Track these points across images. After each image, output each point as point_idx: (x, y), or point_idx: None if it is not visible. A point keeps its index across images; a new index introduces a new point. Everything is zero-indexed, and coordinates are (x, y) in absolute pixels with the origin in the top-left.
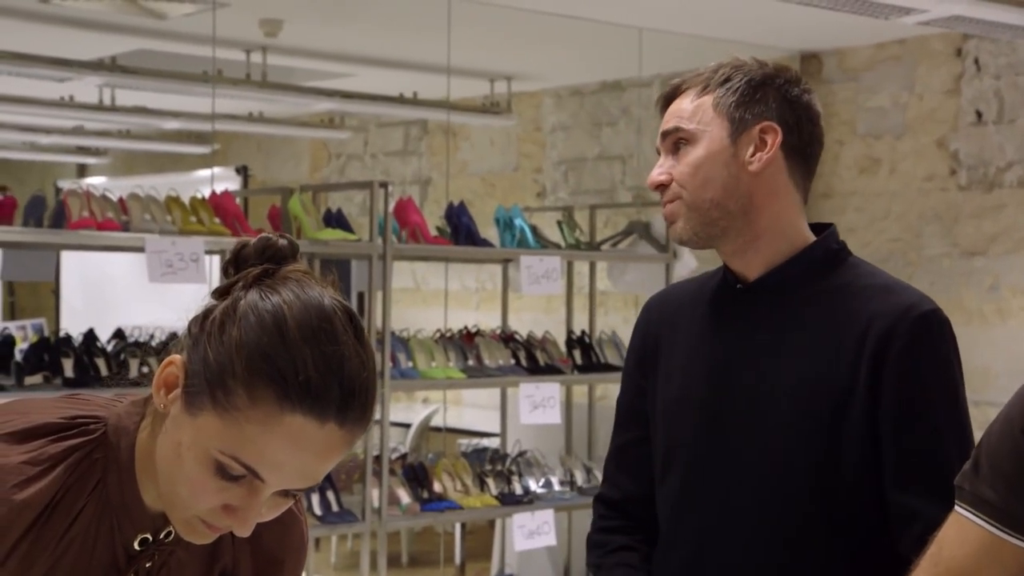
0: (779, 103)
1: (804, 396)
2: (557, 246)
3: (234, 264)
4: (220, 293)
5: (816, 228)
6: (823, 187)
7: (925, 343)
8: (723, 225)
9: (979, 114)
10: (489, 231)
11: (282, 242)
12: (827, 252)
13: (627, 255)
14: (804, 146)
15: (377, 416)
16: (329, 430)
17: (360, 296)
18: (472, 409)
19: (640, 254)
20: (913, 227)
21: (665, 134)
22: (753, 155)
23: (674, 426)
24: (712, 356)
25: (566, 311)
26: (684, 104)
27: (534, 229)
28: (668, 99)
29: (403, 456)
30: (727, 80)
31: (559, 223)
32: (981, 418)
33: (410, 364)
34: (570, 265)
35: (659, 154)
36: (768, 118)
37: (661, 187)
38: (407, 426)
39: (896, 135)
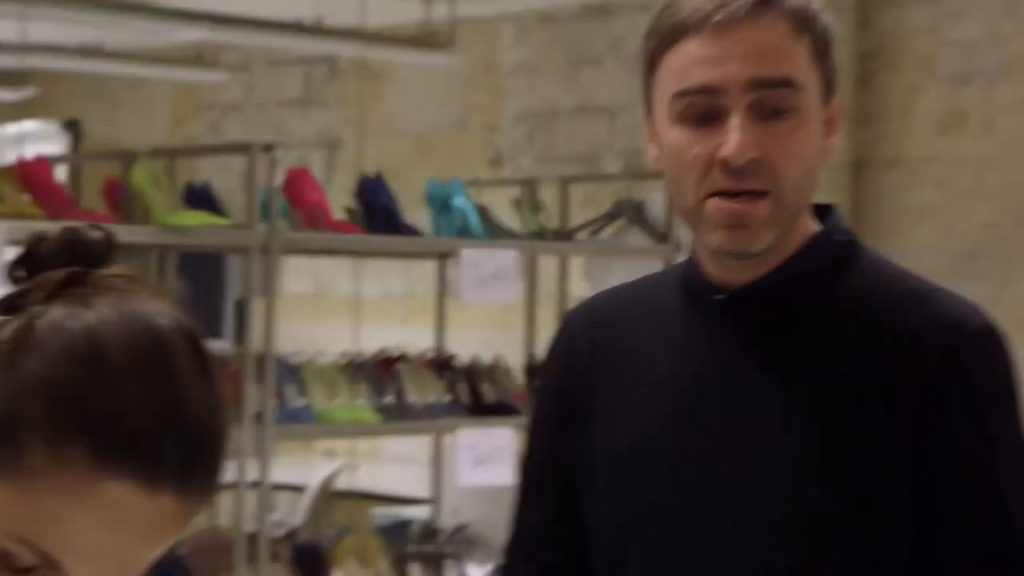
0: (832, 49)
1: (818, 460)
2: (514, 234)
3: (26, 265)
4: (6, 307)
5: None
6: (890, 150)
7: (986, 371)
8: (789, 228)
9: None
10: (421, 214)
11: (95, 235)
12: (835, 248)
13: (612, 247)
14: None
15: (253, 476)
16: (162, 501)
17: (240, 305)
18: (393, 465)
19: (630, 246)
20: (1014, 208)
21: (763, 83)
22: (828, 136)
23: (622, 495)
24: (675, 395)
25: (526, 326)
26: (780, 38)
27: (482, 211)
28: (724, 19)
29: (292, 533)
30: (817, 17)
31: (516, 202)
32: None
33: (304, 402)
34: (532, 261)
35: (694, 119)
36: (835, 82)
37: (746, 167)
38: (300, 489)
39: (991, 79)
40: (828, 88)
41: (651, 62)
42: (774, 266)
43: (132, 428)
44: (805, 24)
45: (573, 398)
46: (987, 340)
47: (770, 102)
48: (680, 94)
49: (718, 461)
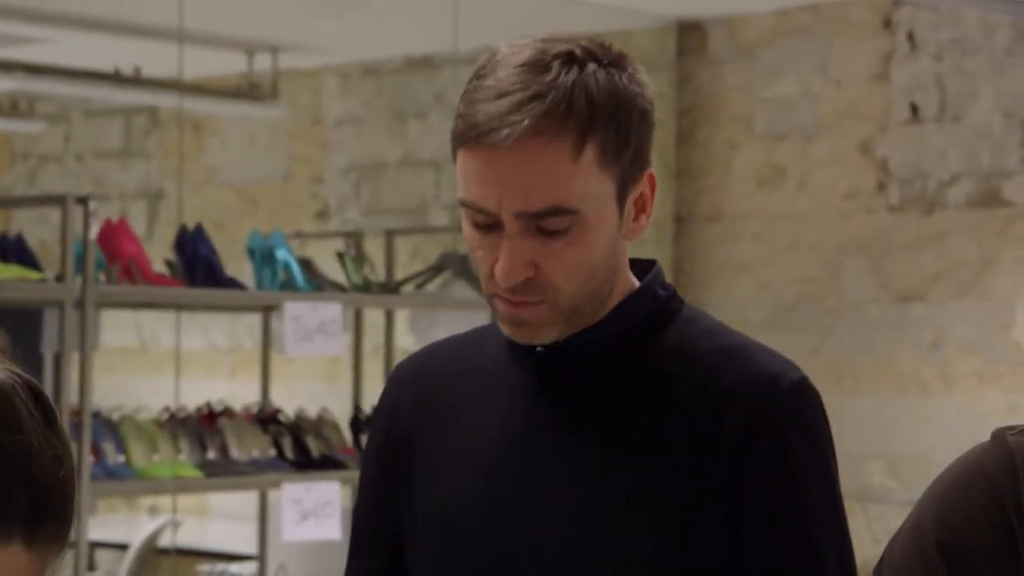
0: (642, 126)
1: (636, 502)
2: (339, 287)
3: None
4: None
5: (633, 265)
6: (708, 206)
7: (799, 427)
8: (586, 313)
9: (915, 108)
10: (246, 266)
11: None
12: (655, 303)
13: (437, 299)
14: None
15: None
16: (13, 553)
17: (58, 360)
18: (219, 521)
19: (456, 298)
20: (830, 262)
21: (530, 216)
22: (636, 218)
23: (443, 553)
24: (497, 450)
25: (353, 378)
26: (551, 160)
27: (307, 264)
28: (500, 141)
29: None
30: (612, 116)
31: (340, 255)
32: None
33: (122, 458)
34: (358, 314)
35: (476, 226)
36: (646, 160)
37: (521, 285)
38: (124, 547)
39: (806, 136)
40: (625, 184)
41: (452, 146)
42: (593, 322)
43: None
44: (591, 129)
45: (396, 452)
46: (799, 395)
47: (541, 225)
48: (462, 202)
49: (532, 518)
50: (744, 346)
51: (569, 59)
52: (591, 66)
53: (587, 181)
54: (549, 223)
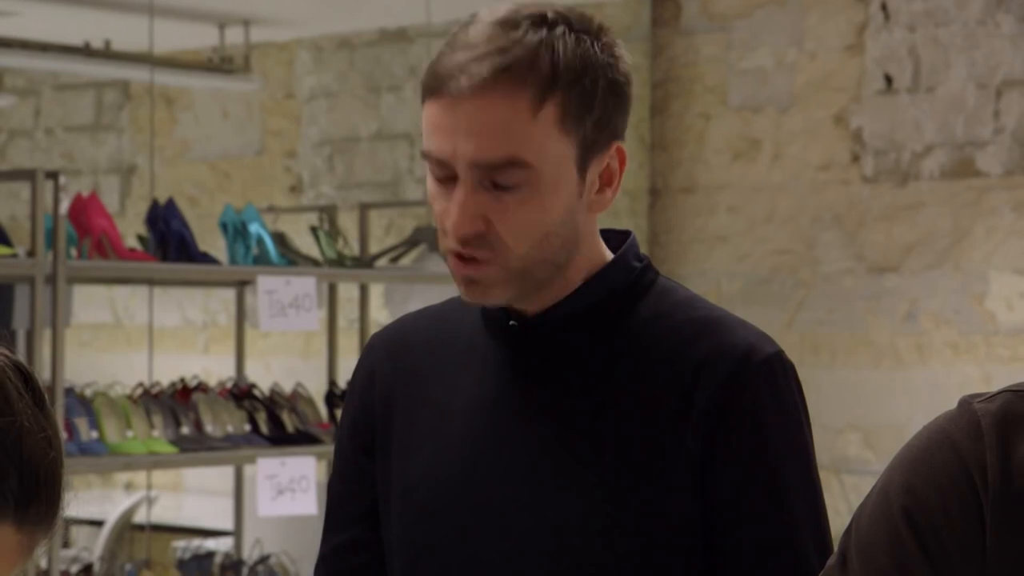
0: (626, 107)
1: (610, 471)
2: (313, 262)
3: None
4: None
5: (608, 236)
6: (683, 178)
7: (772, 399)
8: (540, 279)
9: (889, 79)
10: (220, 241)
11: None
12: (629, 274)
13: (411, 273)
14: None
15: None
16: (3, 533)
17: (30, 336)
18: (195, 497)
19: (429, 272)
20: (805, 234)
21: (486, 166)
22: (601, 190)
23: (417, 523)
24: (471, 422)
25: (328, 353)
26: (510, 111)
27: (280, 238)
28: (459, 89)
29: (88, 568)
30: (577, 79)
31: (313, 229)
32: None
33: (95, 434)
34: (332, 288)
35: (436, 179)
36: (615, 131)
37: (470, 238)
38: (99, 524)
39: (780, 107)
40: (587, 150)
41: (422, 101)
42: (565, 294)
43: None
44: (553, 88)
45: (372, 421)
46: (773, 367)
47: (498, 176)
48: (423, 154)
49: (506, 489)
50: (719, 318)
51: (540, 20)
52: (561, 28)
53: (545, 140)
54: (503, 176)
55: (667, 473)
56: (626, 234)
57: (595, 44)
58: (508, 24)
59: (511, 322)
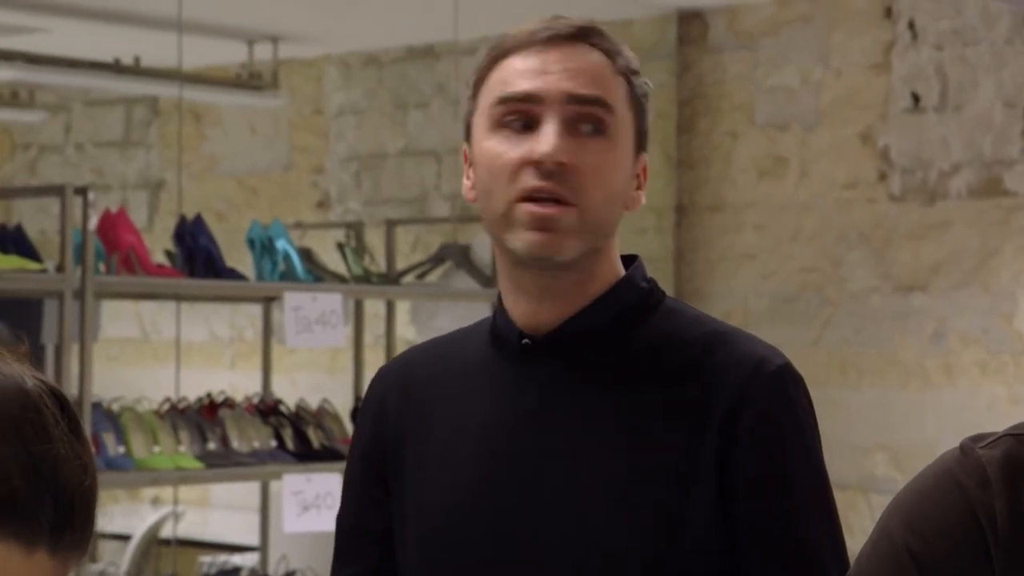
0: (646, 106)
1: (627, 490)
2: (340, 278)
3: None
4: None
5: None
6: (710, 196)
7: (786, 408)
8: (590, 254)
9: (916, 98)
10: (247, 257)
11: None
12: (637, 294)
13: (437, 290)
14: None
15: None
16: (38, 560)
17: (57, 351)
18: (221, 512)
19: (456, 289)
20: (831, 252)
21: (580, 99)
22: (637, 188)
23: (435, 548)
24: (485, 443)
25: (354, 369)
26: (601, 65)
27: (307, 254)
28: (558, 37)
29: None
30: (637, 74)
31: (340, 246)
32: None
33: (122, 449)
34: (358, 305)
35: (510, 129)
36: (647, 138)
37: (556, 170)
38: (126, 538)
39: (807, 125)
40: (640, 139)
41: (475, 87)
42: (578, 309)
43: (6, 489)
44: (622, 68)
45: (385, 452)
46: (784, 378)
47: (584, 119)
48: (500, 101)
49: (524, 507)
50: (729, 332)
51: (588, 23)
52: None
53: (621, 102)
54: (590, 116)
55: (686, 487)
56: (633, 258)
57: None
58: (560, 18)
59: (524, 340)
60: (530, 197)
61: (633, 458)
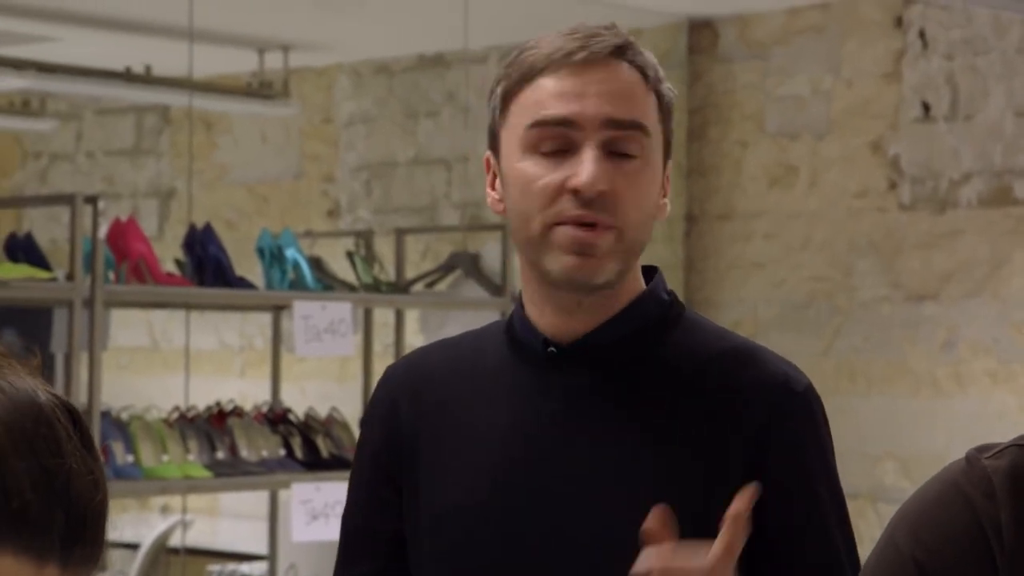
0: (671, 118)
1: (647, 502)
2: (349, 287)
3: None
4: None
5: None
6: (720, 204)
7: (811, 427)
8: (624, 274)
9: (926, 107)
10: (256, 265)
11: None
12: (660, 306)
13: (446, 298)
14: None
15: None
16: (49, 574)
17: (66, 360)
18: (231, 521)
19: (466, 298)
20: (842, 261)
21: (617, 123)
22: (663, 197)
23: (450, 551)
24: (504, 450)
25: (363, 378)
26: (636, 85)
27: (317, 263)
28: (594, 55)
29: None
30: (654, 66)
31: (349, 254)
32: None
33: (131, 458)
34: (368, 314)
35: (545, 154)
36: (672, 146)
37: (595, 198)
38: (135, 547)
39: (817, 134)
40: (667, 148)
41: (504, 101)
42: (604, 320)
43: (19, 503)
44: (653, 82)
45: (396, 453)
46: (810, 398)
47: (621, 142)
48: (536, 124)
49: (544, 515)
50: (753, 349)
51: (611, 26)
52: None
53: (654, 120)
54: (627, 139)
55: (708, 498)
56: (653, 269)
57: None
58: (584, 26)
59: (550, 348)
60: (569, 221)
61: (656, 468)
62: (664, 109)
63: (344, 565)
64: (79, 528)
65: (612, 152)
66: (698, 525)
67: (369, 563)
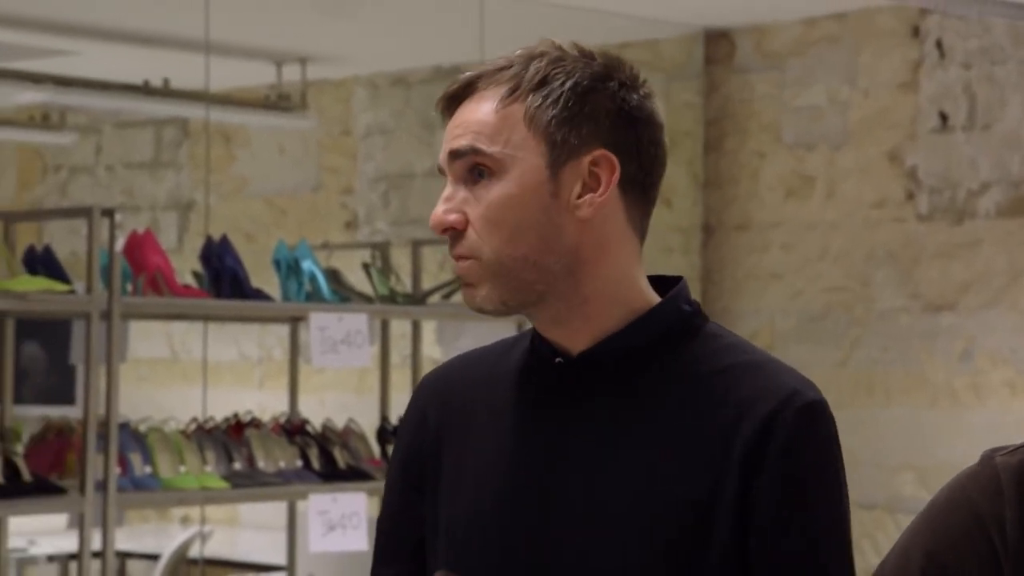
0: (614, 119)
1: (649, 513)
2: (366, 298)
3: None
4: None
5: (659, 282)
6: (737, 215)
7: (810, 443)
8: (540, 289)
9: (944, 117)
10: (274, 277)
11: None
12: (679, 317)
13: (462, 310)
14: (645, 175)
15: (96, 546)
16: None
17: (85, 371)
18: (250, 531)
19: None
20: (859, 271)
21: (455, 154)
22: (581, 195)
23: (458, 561)
24: (517, 458)
25: (380, 390)
26: (482, 111)
27: (334, 274)
28: (455, 98)
29: None
30: (544, 82)
31: (365, 266)
32: None
33: (149, 469)
34: (384, 325)
35: (444, 176)
36: (600, 143)
37: (450, 232)
38: (155, 557)
39: (834, 145)
40: (562, 148)
41: None
42: (610, 331)
43: None
44: (518, 93)
45: (422, 460)
46: (813, 412)
47: (471, 170)
48: (448, 152)
49: (551, 525)
50: (764, 362)
51: (556, 50)
52: (574, 53)
53: (508, 130)
54: (472, 163)
55: (706, 514)
56: (677, 279)
57: (594, 66)
58: (530, 50)
59: (557, 359)
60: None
61: (655, 481)
62: (542, 111)
63: (377, 564)
64: None
65: (468, 179)
66: (690, 545)
67: (398, 564)
